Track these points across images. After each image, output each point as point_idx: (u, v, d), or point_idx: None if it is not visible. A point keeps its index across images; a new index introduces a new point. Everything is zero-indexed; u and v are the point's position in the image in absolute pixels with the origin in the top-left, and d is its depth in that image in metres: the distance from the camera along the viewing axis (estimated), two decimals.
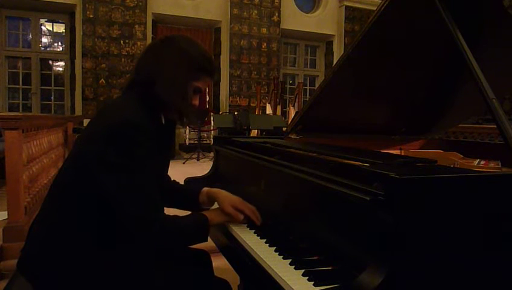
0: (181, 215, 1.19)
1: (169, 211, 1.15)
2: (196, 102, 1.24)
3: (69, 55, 7.66)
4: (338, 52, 9.41)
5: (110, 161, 1.03)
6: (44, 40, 7.95)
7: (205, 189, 1.40)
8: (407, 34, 1.49)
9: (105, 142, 1.05)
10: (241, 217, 1.26)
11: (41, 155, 3.50)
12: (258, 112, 7.93)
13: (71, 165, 1.14)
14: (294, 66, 9.80)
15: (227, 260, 1.36)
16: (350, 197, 0.87)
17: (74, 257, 1.08)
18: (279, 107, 7.81)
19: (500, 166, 1.53)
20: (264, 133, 6.53)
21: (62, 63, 7.88)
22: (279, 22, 8.77)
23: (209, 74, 1.25)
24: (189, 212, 1.32)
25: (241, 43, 8.50)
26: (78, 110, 7.36)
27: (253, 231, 1.23)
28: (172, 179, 1.50)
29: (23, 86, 7.62)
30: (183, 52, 1.19)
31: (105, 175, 1.04)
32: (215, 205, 1.37)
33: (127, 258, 1.11)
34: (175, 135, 1.44)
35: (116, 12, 7.46)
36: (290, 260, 0.96)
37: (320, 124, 1.84)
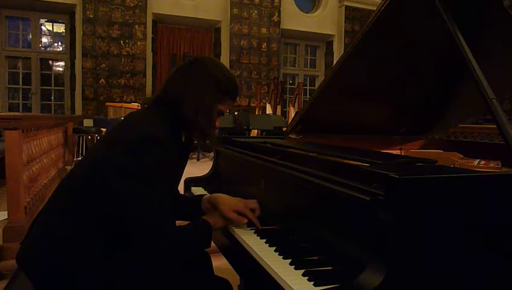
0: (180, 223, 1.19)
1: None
2: (217, 124, 1.29)
3: (69, 55, 7.66)
4: (338, 52, 9.40)
5: (129, 171, 1.05)
6: (44, 40, 7.95)
7: (206, 196, 1.41)
8: (407, 34, 1.49)
9: (126, 152, 1.07)
10: (245, 221, 1.26)
11: (41, 155, 3.50)
12: (258, 112, 7.93)
13: (87, 169, 1.15)
14: (294, 66, 9.80)
15: (227, 260, 1.36)
16: (350, 197, 0.87)
17: (77, 258, 1.08)
18: (279, 107, 7.80)
19: (500, 166, 1.53)
20: (264, 133, 6.52)
21: (62, 63, 7.88)
22: (279, 22, 8.77)
23: (232, 98, 1.30)
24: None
25: (241, 43, 8.49)
26: (78, 110, 7.36)
27: (253, 231, 1.23)
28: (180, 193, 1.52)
29: (23, 86, 7.63)
30: (211, 74, 1.24)
31: (121, 184, 1.05)
32: None
33: (129, 261, 1.10)
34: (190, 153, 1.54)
35: (116, 12, 7.46)
36: (290, 260, 0.96)
37: (320, 124, 1.84)
